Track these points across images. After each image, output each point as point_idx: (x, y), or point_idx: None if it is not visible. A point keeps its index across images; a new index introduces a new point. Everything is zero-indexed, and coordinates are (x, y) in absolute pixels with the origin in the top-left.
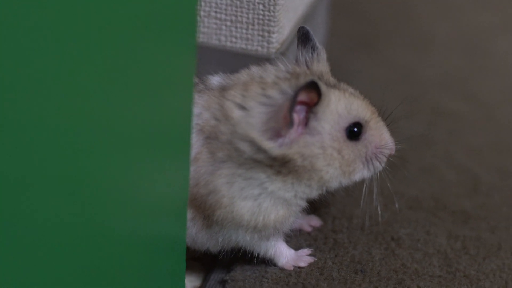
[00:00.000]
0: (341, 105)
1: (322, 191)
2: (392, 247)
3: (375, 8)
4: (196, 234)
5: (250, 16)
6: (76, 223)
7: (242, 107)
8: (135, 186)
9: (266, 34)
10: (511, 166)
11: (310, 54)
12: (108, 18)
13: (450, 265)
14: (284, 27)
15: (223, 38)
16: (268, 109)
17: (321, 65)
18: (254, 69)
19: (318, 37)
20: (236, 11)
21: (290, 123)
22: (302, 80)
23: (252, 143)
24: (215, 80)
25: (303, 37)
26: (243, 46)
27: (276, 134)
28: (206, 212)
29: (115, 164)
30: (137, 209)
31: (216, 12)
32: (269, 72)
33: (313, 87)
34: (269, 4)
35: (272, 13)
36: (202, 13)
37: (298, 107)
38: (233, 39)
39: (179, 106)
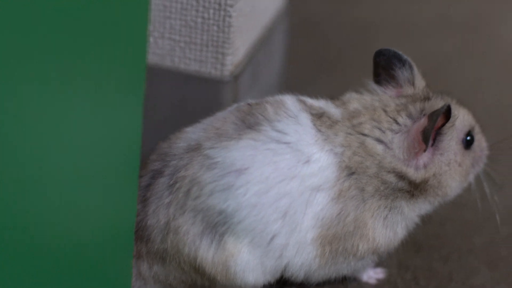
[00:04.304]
0: (459, 119)
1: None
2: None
3: (334, 31)
4: (314, 272)
5: (204, 38)
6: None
7: (381, 141)
8: (79, 215)
9: (220, 56)
10: (464, 195)
11: (409, 73)
12: (55, 38)
13: None
14: (239, 49)
15: (176, 60)
16: (402, 137)
17: (420, 81)
18: (363, 95)
19: (275, 60)
20: (190, 32)
21: (426, 146)
22: (434, 103)
23: (397, 173)
24: (334, 110)
25: (390, 59)
26: (197, 68)
27: (414, 159)
28: (345, 247)
29: (60, 194)
30: (82, 238)
31: (170, 33)
32: (385, 98)
33: (449, 110)
34: (223, 26)
35: (226, 35)
36: (156, 34)
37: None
38: (187, 61)
39: (127, 129)
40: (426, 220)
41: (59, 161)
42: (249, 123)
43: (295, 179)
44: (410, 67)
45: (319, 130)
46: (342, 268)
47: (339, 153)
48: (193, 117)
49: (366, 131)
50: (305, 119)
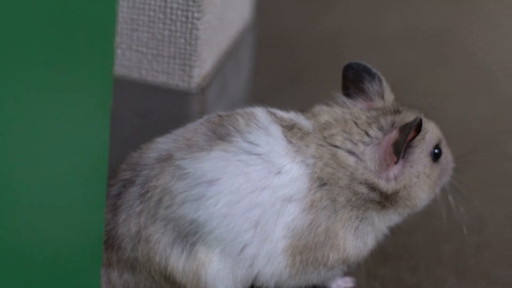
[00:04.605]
0: (428, 132)
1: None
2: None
3: (302, 43)
4: (284, 282)
5: (172, 50)
6: None
7: (353, 153)
8: (46, 225)
9: (187, 68)
10: (433, 206)
11: (379, 86)
12: (22, 50)
13: None
14: (206, 61)
15: (144, 72)
16: (374, 149)
17: (389, 94)
18: (333, 107)
19: (243, 72)
20: (158, 44)
21: (398, 159)
22: (405, 116)
23: (369, 184)
24: (305, 122)
25: (359, 72)
26: (164, 80)
27: (385, 171)
28: (315, 257)
29: (26, 204)
30: (49, 247)
31: (137, 45)
32: (355, 111)
33: (420, 124)
34: (190, 39)
35: (193, 48)
36: (123, 46)
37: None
38: (154, 73)
39: (94, 141)
40: (394, 230)
41: (26, 172)
42: (220, 134)
43: (267, 190)
44: (380, 80)
45: (290, 142)
46: (312, 278)
47: (310, 164)
48: (161, 129)
49: (337, 143)
50: (276, 130)
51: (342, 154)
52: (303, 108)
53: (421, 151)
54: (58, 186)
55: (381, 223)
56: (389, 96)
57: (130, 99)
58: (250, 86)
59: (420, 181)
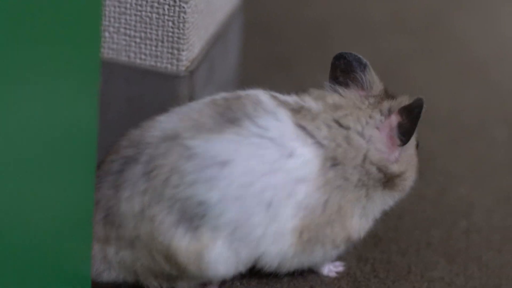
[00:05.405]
0: None
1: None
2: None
3: (289, 28)
4: (288, 260)
5: (160, 33)
6: None
7: (363, 135)
8: (34, 209)
9: (175, 51)
10: (424, 189)
11: (370, 75)
12: (8, 34)
13: None
14: (194, 45)
15: (132, 55)
16: (380, 132)
17: (379, 83)
18: (334, 93)
19: (231, 56)
20: (146, 28)
21: (405, 142)
22: (401, 100)
23: (378, 166)
24: (313, 104)
25: (350, 62)
26: (152, 63)
27: (392, 153)
28: (324, 235)
29: (15, 183)
30: (36, 228)
31: (125, 28)
32: (356, 97)
33: (422, 105)
34: (178, 22)
35: (181, 31)
36: (111, 29)
37: None
38: (143, 56)
39: (83, 124)
40: (385, 213)
41: (14, 154)
42: (228, 118)
43: (280, 172)
44: (370, 70)
45: (299, 124)
46: (317, 256)
47: (322, 146)
48: (149, 112)
49: (350, 124)
50: (284, 114)
51: (353, 135)
52: (289, 92)
53: (414, 135)
54: (47, 169)
55: (380, 204)
56: (379, 85)
57: (119, 82)
58: (238, 69)
59: (411, 164)
